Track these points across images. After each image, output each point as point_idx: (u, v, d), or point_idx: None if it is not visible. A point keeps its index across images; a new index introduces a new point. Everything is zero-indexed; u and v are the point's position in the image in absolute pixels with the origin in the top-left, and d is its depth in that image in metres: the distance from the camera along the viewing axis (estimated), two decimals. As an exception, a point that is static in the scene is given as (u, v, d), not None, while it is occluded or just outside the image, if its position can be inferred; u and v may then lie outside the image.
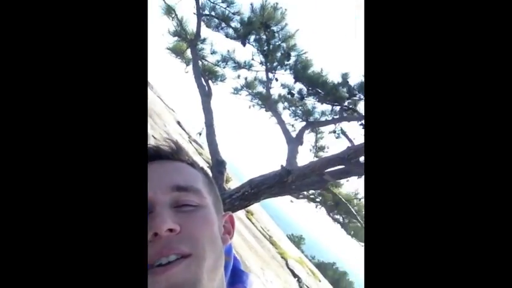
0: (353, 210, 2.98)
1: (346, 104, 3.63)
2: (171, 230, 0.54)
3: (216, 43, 4.15)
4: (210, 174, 0.75)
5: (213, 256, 0.57)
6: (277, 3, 3.50)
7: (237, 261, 0.86)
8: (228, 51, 4.03)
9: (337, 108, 3.73)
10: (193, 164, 0.70)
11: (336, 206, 3.11)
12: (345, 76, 3.50)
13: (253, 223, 11.04)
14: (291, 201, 3.93)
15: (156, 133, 7.68)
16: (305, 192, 3.46)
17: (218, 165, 3.29)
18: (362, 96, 3.49)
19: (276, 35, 3.66)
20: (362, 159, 2.73)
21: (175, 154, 0.68)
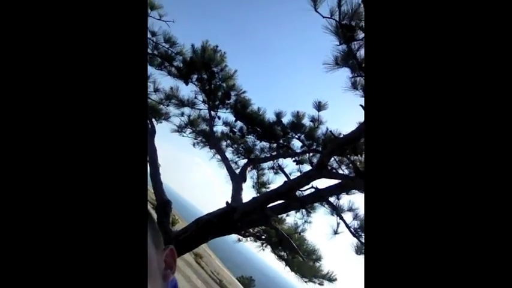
0: (294, 245, 3.02)
1: (281, 141, 3.83)
2: None
3: (160, 81, 4.16)
4: (155, 216, 0.74)
5: None
6: (217, 46, 3.67)
7: None
8: (172, 88, 4.06)
9: (274, 145, 3.92)
10: None
11: (279, 243, 3.14)
12: (278, 115, 3.72)
13: (202, 267, 10.53)
14: (239, 240, 3.87)
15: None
16: (251, 230, 3.45)
17: (163, 205, 3.17)
18: (294, 134, 3.71)
19: (217, 75, 3.80)
20: (298, 193, 2.84)
21: None
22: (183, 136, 4.35)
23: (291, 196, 2.78)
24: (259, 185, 4.19)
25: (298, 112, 3.61)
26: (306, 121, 3.59)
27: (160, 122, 4.29)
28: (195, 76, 3.86)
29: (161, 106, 4.23)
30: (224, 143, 4.22)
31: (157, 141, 3.78)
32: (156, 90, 4.13)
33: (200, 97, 4.04)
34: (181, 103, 4.11)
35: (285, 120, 3.71)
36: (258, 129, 3.89)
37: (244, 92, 3.93)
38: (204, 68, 3.69)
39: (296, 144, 3.78)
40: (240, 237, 3.73)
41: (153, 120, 4.06)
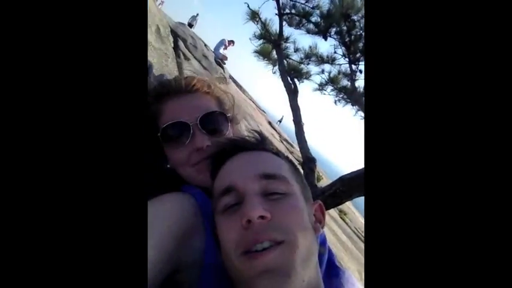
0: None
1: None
2: (262, 217, 0.57)
3: (299, 41, 4.17)
4: (301, 171, 0.77)
5: (306, 244, 0.58)
6: (355, -9, 3.37)
7: (332, 255, 0.86)
8: (310, 47, 4.02)
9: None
10: (278, 153, 0.73)
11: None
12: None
13: (346, 223, 10.63)
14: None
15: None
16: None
17: (308, 162, 3.29)
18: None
19: (357, 24, 3.51)
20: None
21: (260, 144, 0.72)
22: (324, 94, 4.31)
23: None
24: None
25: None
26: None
27: (302, 82, 4.36)
28: (334, 30, 3.70)
29: (302, 66, 4.27)
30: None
31: (300, 101, 3.88)
32: (296, 50, 4.18)
33: (340, 51, 3.87)
34: (321, 60, 4.03)
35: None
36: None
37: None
38: (343, 18, 3.48)
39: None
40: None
41: (295, 80, 4.15)
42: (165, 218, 0.63)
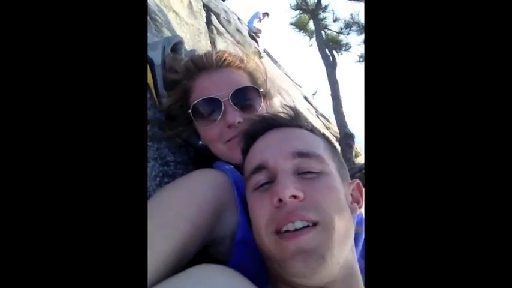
0: None
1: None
2: (294, 197, 0.54)
3: (338, 9, 3.97)
4: (338, 147, 0.73)
5: (342, 225, 0.55)
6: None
7: None
8: (352, 15, 3.80)
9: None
10: (313, 130, 0.68)
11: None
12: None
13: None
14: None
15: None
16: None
17: (346, 138, 3.19)
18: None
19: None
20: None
21: (293, 120, 0.68)
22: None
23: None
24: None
25: None
26: None
27: (341, 54, 4.17)
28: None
29: (341, 36, 4.07)
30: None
31: (339, 74, 3.72)
32: (335, 20, 3.98)
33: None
34: (363, 30, 3.82)
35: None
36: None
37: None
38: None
39: None
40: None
41: (334, 52, 3.97)
42: (197, 194, 0.63)
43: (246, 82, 0.85)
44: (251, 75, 0.89)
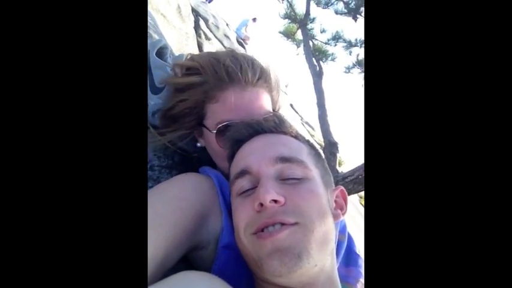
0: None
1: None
2: (275, 201, 0.54)
3: (326, 21, 4.04)
4: (323, 155, 0.73)
5: (322, 229, 0.55)
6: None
7: (352, 242, 0.84)
8: (337, 31, 3.88)
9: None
10: (297, 136, 0.68)
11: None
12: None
13: (368, 208, 10.49)
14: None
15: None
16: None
17: (330, 146, 3.23)
18: None
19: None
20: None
21: (278, 127, 0.68)
22: (350, 74, 4.18)
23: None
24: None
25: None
26: None
27: (327, 64, 4.24)
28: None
29: (328, 47, 4.14)
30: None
31: (325, 83, 3.77)
32: (323, 31, 4.05)
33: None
34: (349, 43, 3.89)
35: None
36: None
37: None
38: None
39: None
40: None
41: (320, 61, 4.03)
42: (181, 198, 0.62)
43: (269, 104, 0.83)
44: (271, 94, 0.87)
